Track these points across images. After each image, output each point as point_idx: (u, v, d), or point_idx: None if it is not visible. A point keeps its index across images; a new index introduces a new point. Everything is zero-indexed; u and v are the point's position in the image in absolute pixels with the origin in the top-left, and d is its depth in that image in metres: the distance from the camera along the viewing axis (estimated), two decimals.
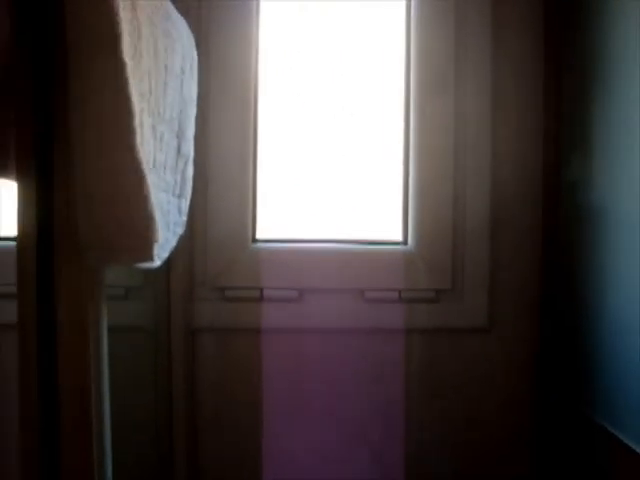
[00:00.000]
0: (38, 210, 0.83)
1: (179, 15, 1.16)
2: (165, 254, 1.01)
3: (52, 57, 0.75)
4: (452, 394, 1.56)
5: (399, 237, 1.57)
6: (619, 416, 1.19)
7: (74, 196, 0.75)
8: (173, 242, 1.09)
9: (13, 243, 1.38)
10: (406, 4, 1.57)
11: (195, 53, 1.24)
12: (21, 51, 0.76)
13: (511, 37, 1.55)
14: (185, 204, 1.18)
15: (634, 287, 1.14)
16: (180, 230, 1.15)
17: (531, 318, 1.56)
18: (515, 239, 1.55)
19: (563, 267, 1.47)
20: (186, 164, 1.17)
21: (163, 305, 1.49)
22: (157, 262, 0.94)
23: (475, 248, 1.54)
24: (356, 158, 1.61)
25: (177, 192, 1.12)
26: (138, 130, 0.74)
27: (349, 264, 1.53)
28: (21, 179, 0.82)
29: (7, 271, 1.47)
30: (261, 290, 1.52)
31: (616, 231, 1.22)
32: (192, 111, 1.21)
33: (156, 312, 1.50)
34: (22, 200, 0.84)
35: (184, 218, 1.18)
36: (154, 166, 0.95)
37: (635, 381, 1.13)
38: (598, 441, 1.26)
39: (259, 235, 1.56)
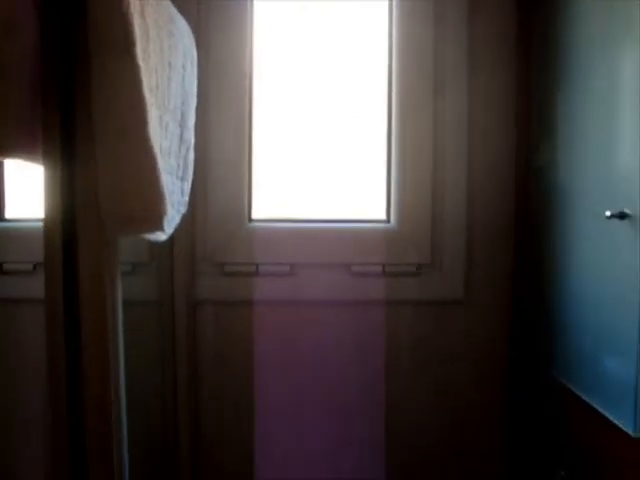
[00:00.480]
0: (62, 192, 0.96)
1: (180, 16, 1.29)
2: (170, 230, 1.14)
3: (75, 58, 0.88)
4: (432, 360, 1.70)
5: (383, 216, 1.71)
6: (573, 372, 1.33)
7: (96, 178, 0.88)
8: (177, 219, 1.22)
9: (39, 224, 1.53)
10: (388, 5, 1.69)
11: (195, 50, 1.37)
12: (49, 53, 0.89)
13: (486, 36, 1.68)
14: (187, 186, 1.31)
15: (591, 262, 1.28)
16: (183, 209, 1.28)
17: (504, 290, 1.70)
18: (489, 218, 1.69)
19: (533, 243, 1.60)
20: (188, 150, 1.30)
21: (167, 280, 1.62)
22: (165, 235, 1.08)
23: (452, 226, 1.67)
24: (344, 146, 1.74)
25: (180, 175, 1.25)
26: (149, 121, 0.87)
27: (337, 241, 1.67)
28: (47, 163, 0.95)
29: (32, 250, 1.62)
30: (256, 265, 1.65)
31: (576, 210, 1.36)
32: (193, 102, 1.34)
33: (161, 286, 1.63)
34: (48, 183, 0.96)
35: (186, 198, 1.31)
36: (160, 152, 1.08)
37: (588, 343, 1.28)
38: (556, 393, 1.40)
39: (254, 215, 1.70)
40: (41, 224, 1.69)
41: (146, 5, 0.99)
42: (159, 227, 0.89)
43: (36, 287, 1.65)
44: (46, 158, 0.96)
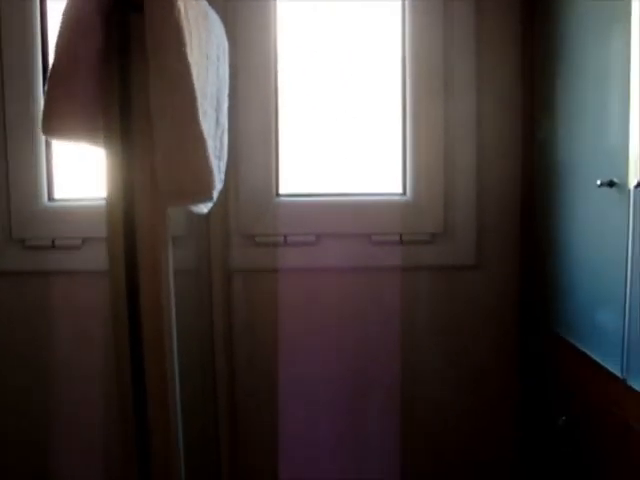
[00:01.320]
0: (122, 171, 1.11)
1: (212, 9, 1.43)
2: (211, 203, 1.30)
3: (134, 55, 1.04)
4: (447, 319, 1.86)
5: (399, 189, 1.86)
6: (572, 327, 1.48)
7: (152, 159, 1.04)
8: (216, 195, 1.38)
9: (84, 203, 1.68)
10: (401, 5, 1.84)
11: (226, 42, 1.51)
12: (111, 51, 1.04)
13: (492, 27, 1.82)
14: (223, 165, 1.47)
15: (585, 227, 1.43)
16: (220, 186, 1.43)
17: (512, 255, 1.85)
18: (497, 189, 1.83)
19: (537, 211, 1.75)
20: (223, 132, 1.45)
21: (204, 251, 1.78)
22: (207, 208, 1.24)
23: (463, 197, 1.82)
24: (362, 124, 1.89)
25: (217, 154, 1.41)
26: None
27: (358, 212, 1.83)
28: (108, 146, 1.11)
29: (80, 226, 1.79)
30: (285, 236, 1.81)
31: (574, 181, 1.50)
32: (226, 89, 1.49)
33: (198, 257, 1.80)
34: (109, 164, 1.12)
35: (222, 176, 1.46)
36: None
37: (584, 300, 1.42)
38: (558, 347, 1.56)
39: (282, 190, 1.86)
40: (86, 203, 1.87)
41: (189, 7, 1.14)
42: (210, 198, 1.06)
43: (85, 260, 1.84)
44: (107, 142, 1.12)
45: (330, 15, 1.87)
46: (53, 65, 1.03)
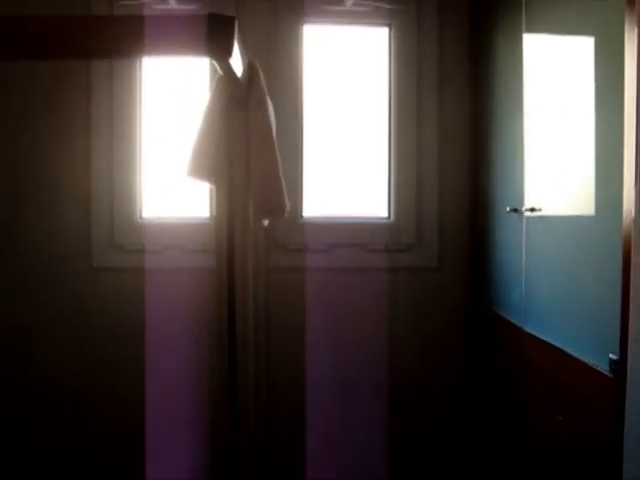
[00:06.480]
0: (226, 200, 1.90)
1: None
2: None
3: (238, 137, 1.83)
4: (416, 303, 2.66)
5: (386, 214, 2.68)
6: (500, 304, 2.29)
7: (247, 189, 1.82)
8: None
9: (162, 221, 2.47)
10: (387, 58, 2.67)
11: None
12: (227, 131, 1.84)
13: (450, 89, 2.66)
14: None
15: (502, 239, 2.24)
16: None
17: (464, 259, 2.66)
18: (453, 214, 2.65)
19: (479, 229, 2.57)
20: None
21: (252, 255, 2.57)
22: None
23: (429, 220, 2.64)
24: (362, 167, 2.72)
25: None
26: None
27: (359, 229, 2.64)
28: (217, 183, 1.90)
29: (159, 237, 2.56)
30: (307, 245, 2.61)
31: (496, 208, 2.32)
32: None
33: None
34: (217, 195, 1.90)
35: None
36: None
37: (505, 285, 2.23)
38: (493, 319, 2.37)
39: (305, 213, 2.66)
40: (166, 221, 2.63)
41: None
42: (284, 216, 1.84)
43: (166, 260, 2.61)
44: (217, 182, 1.90)
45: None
46: (198, 135, 1.81)
